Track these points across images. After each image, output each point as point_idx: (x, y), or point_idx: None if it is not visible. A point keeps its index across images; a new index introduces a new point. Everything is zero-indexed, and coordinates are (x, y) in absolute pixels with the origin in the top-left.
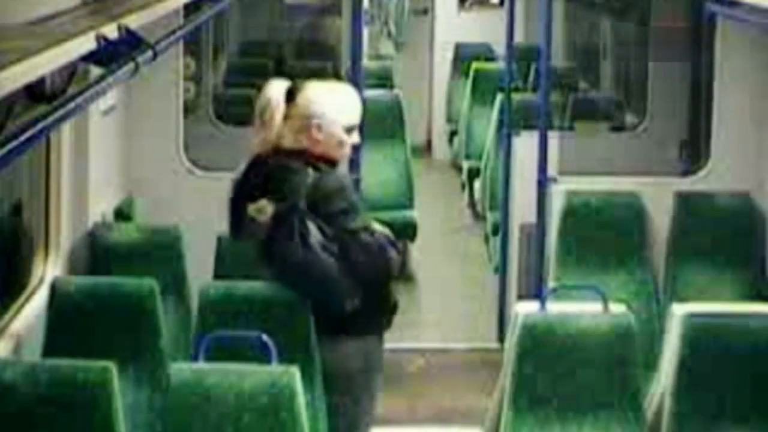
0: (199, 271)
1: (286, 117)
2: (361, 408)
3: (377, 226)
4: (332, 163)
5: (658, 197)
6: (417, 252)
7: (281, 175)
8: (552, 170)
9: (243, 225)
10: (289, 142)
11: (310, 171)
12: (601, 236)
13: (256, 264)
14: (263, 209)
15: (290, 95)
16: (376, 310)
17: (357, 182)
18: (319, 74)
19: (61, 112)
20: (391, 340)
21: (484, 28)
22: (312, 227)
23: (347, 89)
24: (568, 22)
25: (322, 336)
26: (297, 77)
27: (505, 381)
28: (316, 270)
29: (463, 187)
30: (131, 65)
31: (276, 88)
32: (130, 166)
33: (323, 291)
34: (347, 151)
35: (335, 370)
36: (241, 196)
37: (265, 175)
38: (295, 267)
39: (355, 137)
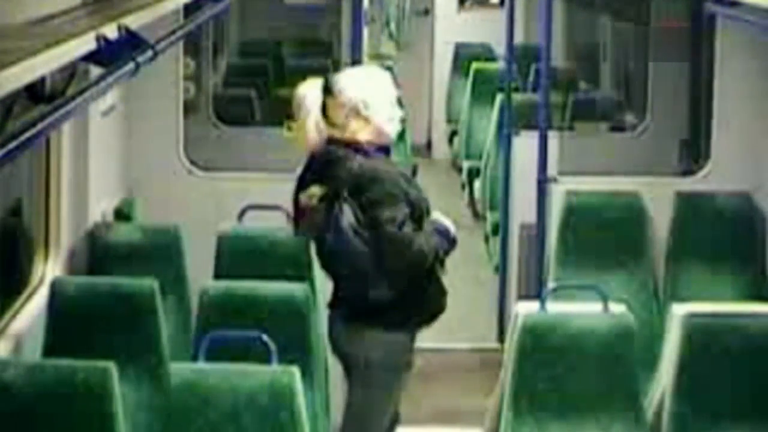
0: (199, 271)
1: (327, 111)
2: (373, 403)
3: (439, 216)
4: (384, 149)
5: (658, 197)
6: None
7: (329, 163)
8: (552, 170)
9: (298, 216)
10: (339, 132)
11: (359, 158)
12: (601, 236)
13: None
14: (313, 195)
15: (327, 90)
16: (406, 305)
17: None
18: (319, 74)
19: (61, 112)
20: None
21: (484, 28)
22: (348, 212)
23: (375, 69)
24: (568, 22)
25: (348, 323)
26: (297, 77)
27: (505, 381)
28: (344, 254)
29: (463, 187)
30: (131, 65)
31: (308, 87)
32: (130, 166)
33: (350, 275)
34: (397, 125)
35: (353, 359)
36: (297, 190)
37: (319, 165)
38: (327, 249)
39: (399, 110)
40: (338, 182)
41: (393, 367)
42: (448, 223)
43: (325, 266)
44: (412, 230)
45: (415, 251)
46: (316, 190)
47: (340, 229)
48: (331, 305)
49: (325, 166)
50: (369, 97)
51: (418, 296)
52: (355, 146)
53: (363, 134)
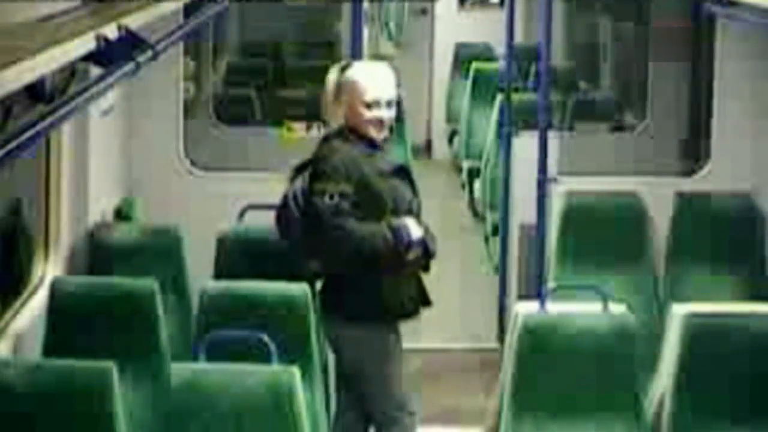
0: (199, 271)
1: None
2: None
3: (409, 221)
4: (370, 141)
5: (658, 197)
6: None
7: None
8: (552, 170)
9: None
10: (338, 121)
11: (344, 147)
12: (601, 236)
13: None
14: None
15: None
16: (359, 295)
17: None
18: (319, 74)
19: (61, 112)
20: None
21: (484, 28)
22: (298, 184)
23: (377, 65)
24: (568, 22)
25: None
26: (297, 77)
27: (505, 381)
28: (283, 222)
29: (463, 187)
30: (131, 65)
31: (334, 72)
32: (130, 166)
33: (290, 246)
34: (372, 126)
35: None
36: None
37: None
38: (278, 220)
39: (377, 112)
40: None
41: (367, 360)
42: (413, 229)
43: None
44: (360, 218)
45: (336, 226)
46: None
47: (284, 199)
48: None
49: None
50: (349, 94)
51: (365, 288)
52: (347, 135)
53: (350, 124)
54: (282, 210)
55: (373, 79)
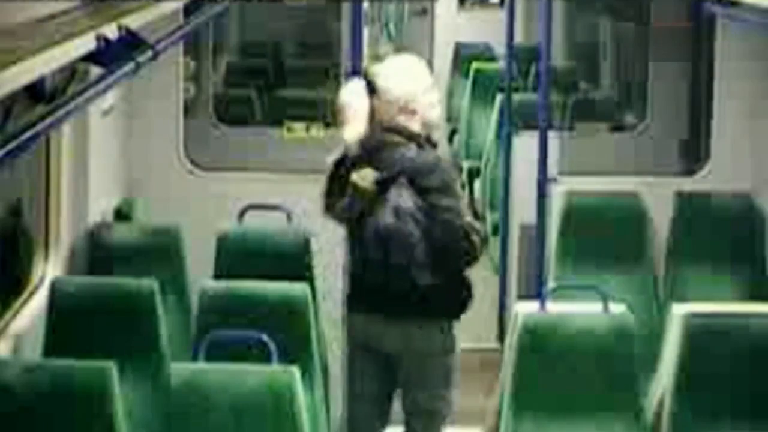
0: (199, 271)
1: (376, 112)
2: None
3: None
4: (431, 141)
5: (658, 197)
6: None
7: (381, 148)
8: (552, 170)
9: (333, 196)
10: (388, 123)
11: (413, 146)
12: (601, 236)
13: (351, 234)
14: (366, 176)
15: (372, 91)
16: (449, 296)
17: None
18: (319, 74)
19: (61, 112)
20: None
21: (484, 28)
22: (407, 197)
23: (409, 59)
24: (568, 22)
25: (392, 319)
26: (297, 77)
27: (505, 381)
28: (402, 237)
29: (463, 187)
30: (131, 65)
31: (350, 94)
32: (130, 166)
33: (404, 259)
34: (438, 109)
35: (406, 355)
36: (338, 171)
37: (368, 150)
38: (383, 231)
39: (436, 94)
40: (394, 167)
41: (448, 352)
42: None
43: (367, 250)
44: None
45: (472, 241)
46: (369, 172)
47: (400, 213)
48: (362, 306)
49: (376, 150)
50: (412, 92)
51: (456, 287)
52: (408, 134)
53: (413, 125)
54: (393, 226)
55: (421, 70)
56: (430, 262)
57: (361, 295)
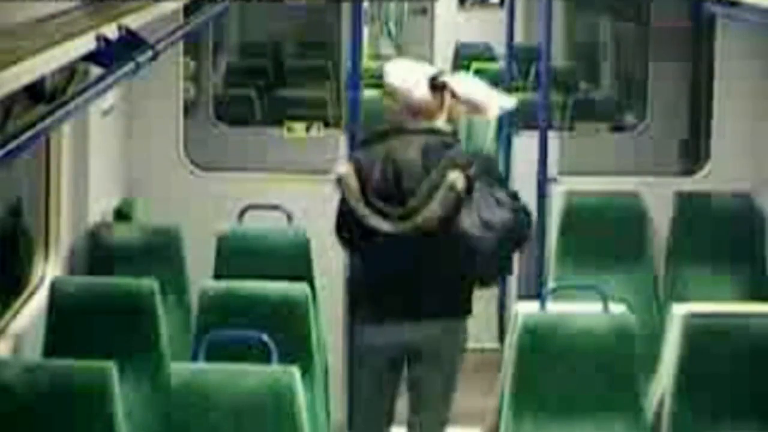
0: (199, 271)
1: (444, 109)
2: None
3: None
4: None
5: (658, 197)
6: None
7: (437, 150)
8: (552, 170)
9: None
10: (442, 124)
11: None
12: (601, 236)
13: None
14: (455, 182)
15: (437, 85)
16: (471, 291)
17: None
18: (319, 74)
19: (61, 112)
20: None
21: (484, 28)
22: (491, 201)
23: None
24: (568, 22)
25: (444, 321)
26: (297, 77)
27: (505, 381)
28: (486, 246)
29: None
30: (131, 65)
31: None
32: (130, 166)
33: (486, 267)
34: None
35: (444, 354)
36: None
37: (426, 151)
38: (469, 239)
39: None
40: (473, 168)
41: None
42: None
43: (458, 253)
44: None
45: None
46: (456, 176)
47: (489, 225)
48: (415, 313)
49: (451, 153)
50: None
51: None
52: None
53: (453, 126)
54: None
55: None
56: (505, 259)
57: (384, 301)
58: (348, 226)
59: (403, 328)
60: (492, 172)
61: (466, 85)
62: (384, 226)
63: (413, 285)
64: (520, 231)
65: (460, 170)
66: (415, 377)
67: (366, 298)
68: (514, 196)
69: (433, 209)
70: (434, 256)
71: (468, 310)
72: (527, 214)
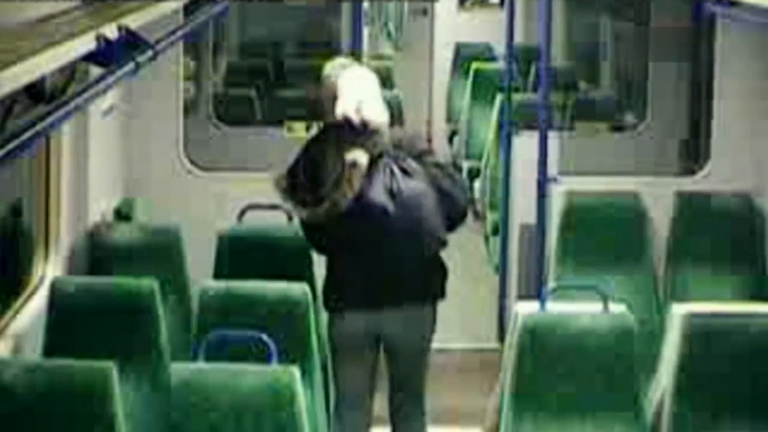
0: (199, 271)
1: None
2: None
3: None
4: None
5: (658, 197)
6: None
7: (360, 134)
8: (552, 170)
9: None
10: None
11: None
12: (601, 236)
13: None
14: (359, 156)
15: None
16: (439, 275)
17: None
18: (319, 74)
19: (61, 112)
20: None
21: (484, 28)
22: (411, 162)
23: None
24: (568, 22)
25: (411, 312)
26: (297, 77)
27: (505, 381)
28: (418, 206)
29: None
30: (131, 65)
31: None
32: (130, 166)
33: (420, 227)
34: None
35: (412, 345)
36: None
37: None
38: (376, 208)
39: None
40: (378, 146)
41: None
42: None
43: (365, 240)
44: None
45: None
46: (360, 153)
47: (393, 193)
48: (380, 301)
49: (357, 136)
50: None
51: (442, 266)
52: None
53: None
54: (408, 191)
55: None
56: (442, 222)
57: (357, 291)
58: (309, 233)
59: (367, 317)
60: (411, 149)
61: (350, 84)
62: (303, 214)
63: (374, 275)
64: (448, 201)
65: (360, 149)
66: (387, 359)
67: (333, 290)
68: (438, 166)
69: (342, 191)
70: (390, 243)
71: (434, 295)
72: (455, 182)
